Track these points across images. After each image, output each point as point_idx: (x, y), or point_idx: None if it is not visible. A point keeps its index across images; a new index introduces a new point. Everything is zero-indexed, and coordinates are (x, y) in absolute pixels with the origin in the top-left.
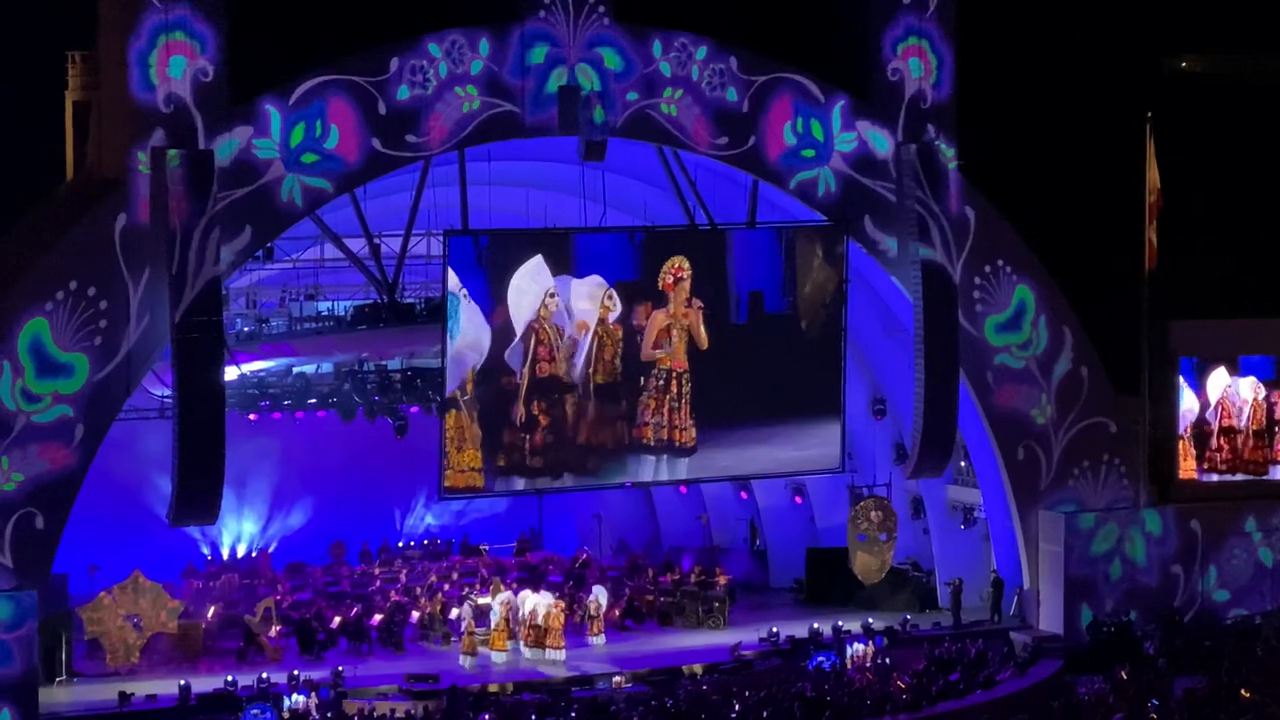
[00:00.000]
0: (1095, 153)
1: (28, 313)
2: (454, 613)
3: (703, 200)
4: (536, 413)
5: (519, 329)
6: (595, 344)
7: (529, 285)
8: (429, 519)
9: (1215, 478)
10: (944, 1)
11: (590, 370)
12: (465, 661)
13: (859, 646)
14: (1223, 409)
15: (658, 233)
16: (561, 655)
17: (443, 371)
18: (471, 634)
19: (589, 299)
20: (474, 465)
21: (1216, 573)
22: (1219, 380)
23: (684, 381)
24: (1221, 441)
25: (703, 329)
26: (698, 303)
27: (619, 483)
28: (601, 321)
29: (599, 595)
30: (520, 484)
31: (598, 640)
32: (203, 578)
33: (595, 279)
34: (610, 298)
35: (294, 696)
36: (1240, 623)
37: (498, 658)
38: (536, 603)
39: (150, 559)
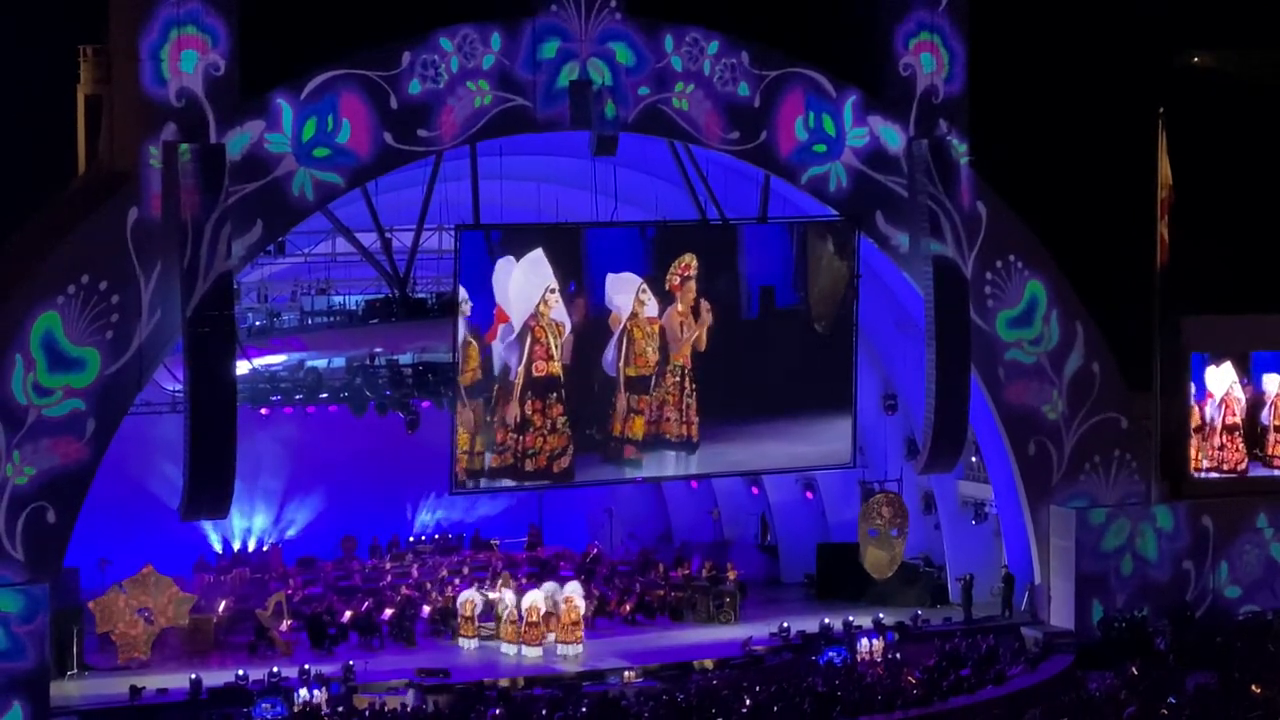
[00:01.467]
0: (1107, 148)
1: (40, 307)
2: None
3: (714, 195)
4: (530, 412)
5: (516, 326)
6: (627, 338)
7: (528, 280)
8: (440, 513)
9: (1215, 475)
10: None
11: (621, 364)
12: (508, 651)
13: (870, 642)
14: (1226, 405)
15: (669, 228)
16: (573, 649)
17: (454, 366)
18: (513, 623)
19: (624, 293)
20: (463, 448)
21: (1228, 569)
22: (1224, 376)
23: (692, 378)
24: (1225, 439)
25: (704, 336)
26: (706, 305)
27: (631, 478)
28: (634, 316)
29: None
30: (512, 483)
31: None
32: (214, 572)
33: (629, 274)
34: (644, 292)
35: (305, 691)
36: (1252, 619)
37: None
38: (536, 599)
39: (161, 553)
